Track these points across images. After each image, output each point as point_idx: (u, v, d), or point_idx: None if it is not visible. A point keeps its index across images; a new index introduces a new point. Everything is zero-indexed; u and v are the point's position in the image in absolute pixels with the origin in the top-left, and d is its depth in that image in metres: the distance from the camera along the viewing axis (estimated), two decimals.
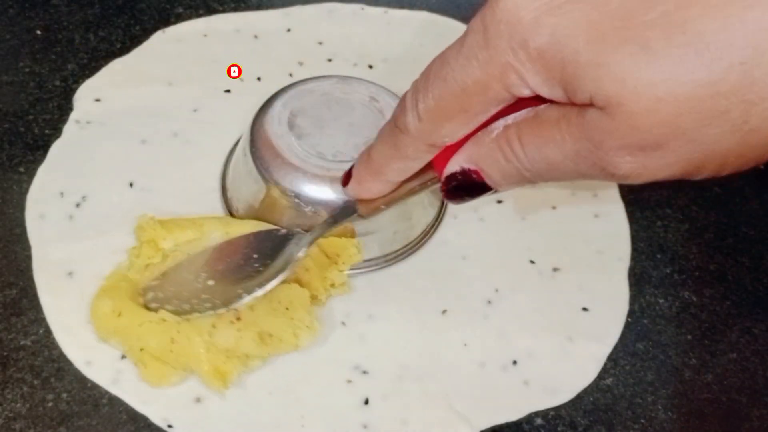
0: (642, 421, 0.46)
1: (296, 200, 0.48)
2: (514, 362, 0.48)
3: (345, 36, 0.62)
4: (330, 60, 0.60)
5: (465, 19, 0.64)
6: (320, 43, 0.61)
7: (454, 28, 0.63)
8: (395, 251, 0.51)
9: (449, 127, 0.35)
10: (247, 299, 0.45)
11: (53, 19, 0.61)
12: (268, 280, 0.45)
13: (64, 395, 0.45)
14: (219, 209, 0.52)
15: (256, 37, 0.61)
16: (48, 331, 0.47)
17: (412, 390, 0.46)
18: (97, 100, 0.57)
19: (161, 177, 0.53)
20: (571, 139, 0.33)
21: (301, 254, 0.45)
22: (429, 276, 0.51)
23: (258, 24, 0.62)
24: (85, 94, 0.57)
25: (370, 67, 0.60)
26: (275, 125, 0.49)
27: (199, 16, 0.62)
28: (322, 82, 0.52)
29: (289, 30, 0.62)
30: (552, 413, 0.46)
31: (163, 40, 0.61)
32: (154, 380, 0.45)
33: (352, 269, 0.49)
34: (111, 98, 0.57)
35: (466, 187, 0.37)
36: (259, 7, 0.63)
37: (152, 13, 0.62)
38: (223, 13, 0.63)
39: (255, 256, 0.47)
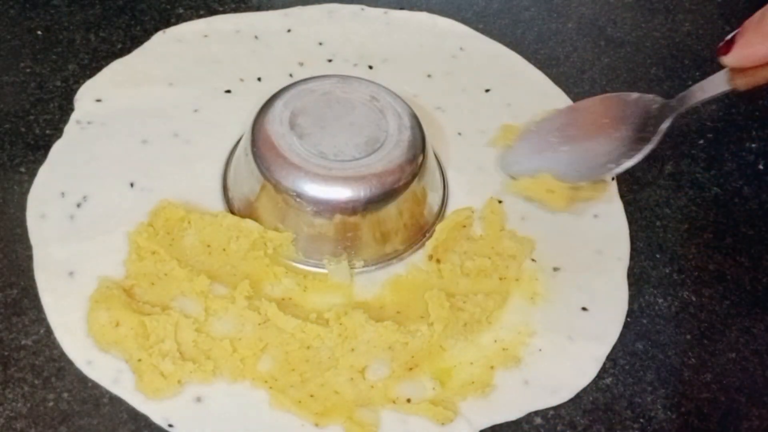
0: (641, 420, 0.46)
1: (298, 200, 0.48)
2: None
3: (345, 36, 0.62)
4: (330, 60, 0.60)
5: (465, 19, 0.64)
6: (320, 44, 0.61)
7: (454, 28, 0.63)
8: (396, 250, 0.51)
9: None
10: (618, 170, 0.46)
11: (54, 19, 0.61)
12: (633, 150, 0.45)
13: (65, 395, 0.45)
14: (220, 209, 0.52)
15: (256, 37, 0.61)
16: (49, 331, 0.47)
17: None
18: (98, 100, 0.57)
19: (162, 177, 0.53)
20: None
21: (666, 125, 0.44)
22: None
23: (258, 24, 0.62)
24: (85, 95, 0.57)
25: (370, 67, 0.60)
26: (276, 125, 0.49)
27: (199, 16, 0.62)
28: (322, 82, 0.52)
29: (289, 30, 0.62)
30: (552, 413, 0.46)
31: (163, 41, 0.61)
32: (150, 392, 0.45)
33: (353, 268, 0.50)
34: (112, 98, 0.57)
35: None
36: (259, 7, 0.63)
37: (153, 14, 0.62)
38: (223, 13, 0.63)
39: (605, 121, 0.46)
